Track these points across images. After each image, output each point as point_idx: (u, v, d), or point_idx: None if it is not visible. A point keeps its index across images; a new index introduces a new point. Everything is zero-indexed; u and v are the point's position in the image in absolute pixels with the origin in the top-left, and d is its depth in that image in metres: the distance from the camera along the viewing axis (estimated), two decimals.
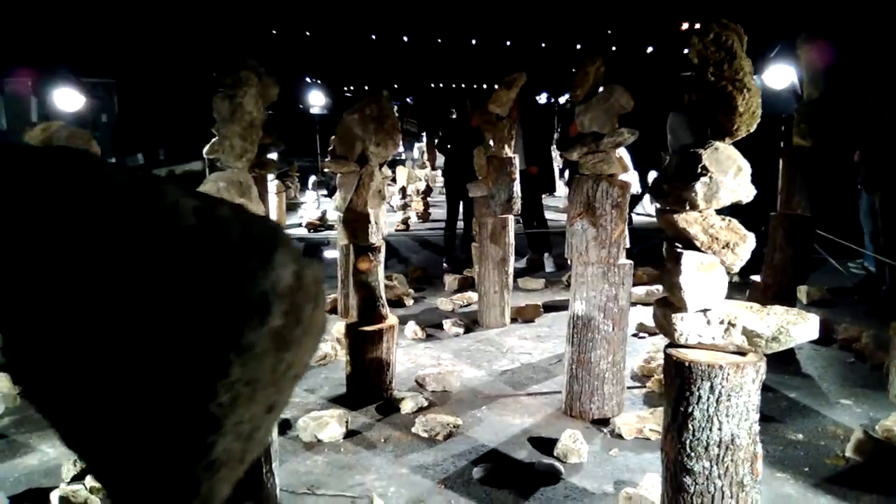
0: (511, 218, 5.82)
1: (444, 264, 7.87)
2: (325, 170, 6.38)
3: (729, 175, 2.45)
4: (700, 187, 2.44)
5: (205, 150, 6.96)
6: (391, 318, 4.57)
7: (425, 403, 4.35)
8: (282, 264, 0.68)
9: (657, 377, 4.47)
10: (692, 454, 2.55)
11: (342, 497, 3.40)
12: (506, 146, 5.69)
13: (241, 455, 0.77)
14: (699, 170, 2.45)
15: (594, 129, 3.91)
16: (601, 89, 3.99)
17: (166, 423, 0.69)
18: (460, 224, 8.37)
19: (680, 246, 2.58)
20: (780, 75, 6.38)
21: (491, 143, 5.94)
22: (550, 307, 6.37)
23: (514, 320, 6.04)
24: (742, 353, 2.57)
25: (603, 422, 4.04)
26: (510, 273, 5.93)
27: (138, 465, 0.71)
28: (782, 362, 4.61)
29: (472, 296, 6.66)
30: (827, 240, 7.49)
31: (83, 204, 0.64)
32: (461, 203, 8.25)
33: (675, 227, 2.59)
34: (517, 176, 5.76)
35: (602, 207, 3.86)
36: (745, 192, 2.47)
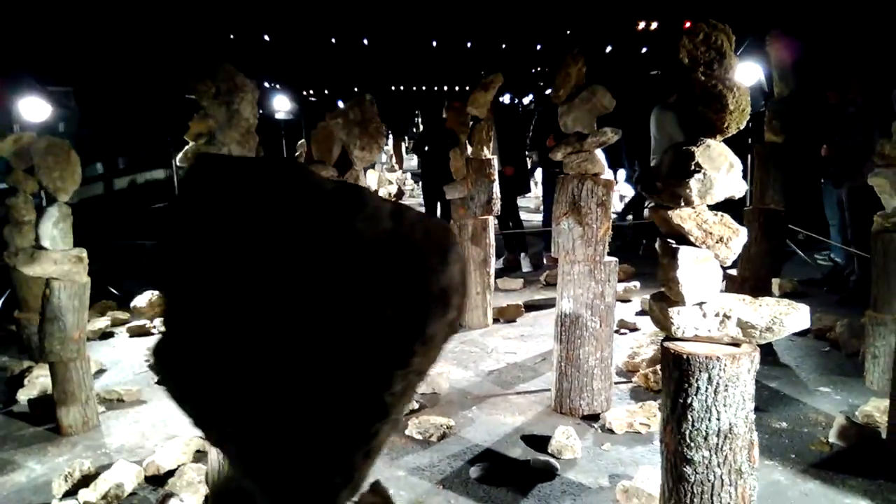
0: (491, 219, 5.87)
1: None
2: None
3: (721, 171, 2.52)
4: (694, 184, 2.51)
5: (177, 157, 6.89)
6: None
7: (416, 406, 4.37)
8: (454, 261, 0.72)
9: (642, 372, 4.55)
10: (692, 444, 2.62)
11: None
12: (484, 147, 5.74)
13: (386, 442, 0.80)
14: (693, 167, 2.52)
15: (577, 130, 3.98)
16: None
17: (339, 412, 0.70)
18: None
19: (674, 242, 2.65)
20: (747, 72, 6.55)
21: (467, 144, 6.00)
22: (531, 306, 6.43)
23: (496, 320, 6.09)
24: (736, 345, 2.65)
25: (593, 417, 4.10)
26: (491, 274, 5.97)
27: (300, 455, 0.72)
28: (761, 353, 4.71)
29: None
30: (794, 233, 7.69)
31: (300, 208, 0.67)
32: (438, 205, 8.28)
33: (670, 223, 2.65)
34: (496, 177, 5.81)
35: (587, 206, 3.92)
36: (738, 187, 2.55)
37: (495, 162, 5.83)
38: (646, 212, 8.85)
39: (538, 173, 10.17)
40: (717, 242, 2.58)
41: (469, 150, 6.14)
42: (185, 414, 0.79)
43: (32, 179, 5.38)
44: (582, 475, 3.53)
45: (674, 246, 2.62)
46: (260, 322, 0.67)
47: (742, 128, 2.55)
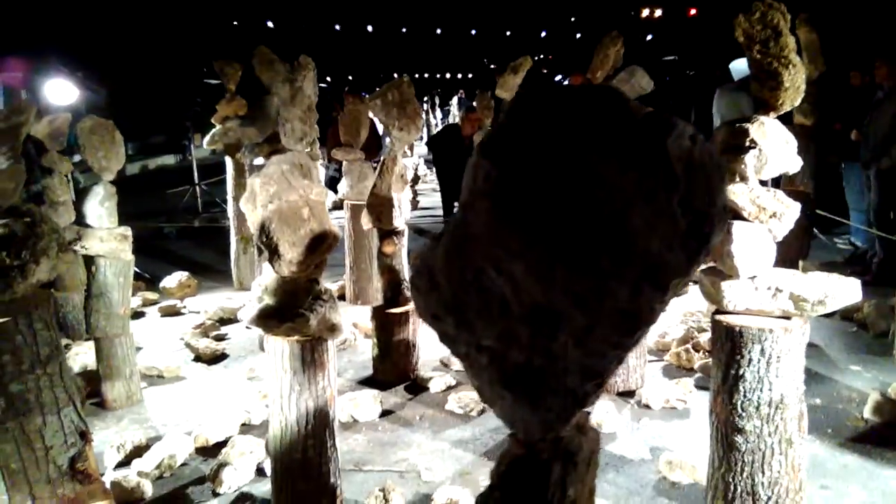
0: None
1: None
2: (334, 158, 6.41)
3: (776, 147, 2.58)
4: (750, 159, 2.57)
5: (205, 140, 6.97)
6: None
7: (453, 382, 4.45)
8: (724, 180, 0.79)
9: (674, 350, 4.63)
10: (743, 414, 2.69)
11: (390, 472, 3.49)
12: None
13: None
14: (748, 143, 2.58)
15: None
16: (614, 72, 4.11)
17: (614, 320, 0.77)
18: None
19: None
20: None
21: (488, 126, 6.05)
22: None
23: None
24: (785, 318, 2.72)
25: (628, 394, 4.18)
26: None
27: (564, 362, 0.79)
28: None
29: None
30: (818, 215, 7.74)
31: (618, 129, 0.74)
32: (454, 188, 8.36)
33: None
34: None
35: None
36: (792, 163, 2.61)
37: None
38: None
39: None
40: (770, 217, 2.64)
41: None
42: (441, 329, 0.84)
43: (67, 160, 5.46)
44: (623, 448, 3.62)
45: (728, 221, 2.68)
46: (569, 231, 0.73)
47: (796, 105, 2.60)
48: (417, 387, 4.46)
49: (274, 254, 2.56)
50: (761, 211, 2.65)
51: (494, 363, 0.81)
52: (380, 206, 4.43)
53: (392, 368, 4.54)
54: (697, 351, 4.56)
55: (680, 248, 0.73)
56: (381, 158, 4.46)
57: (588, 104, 0.75)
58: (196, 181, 11.45)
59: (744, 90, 7.06)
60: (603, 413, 3.80)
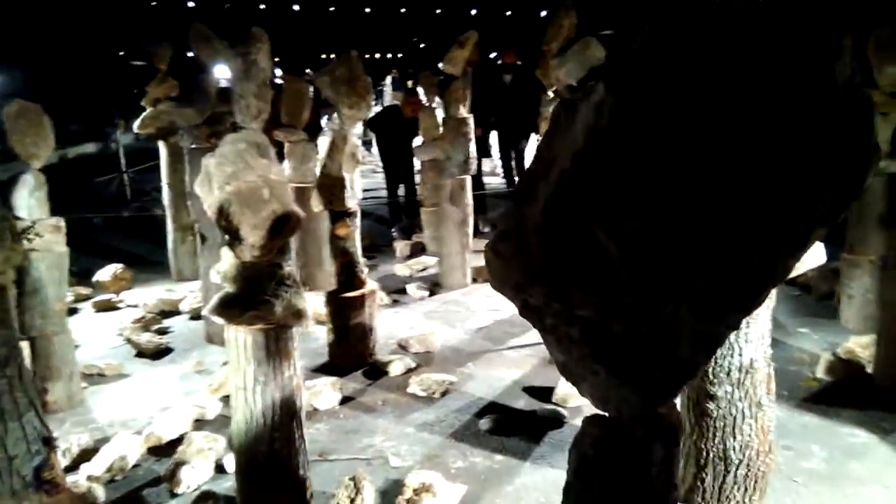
0: (469, 178, 5.87)
1: (394, 231, 7.85)
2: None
3: None
4: None
5: (135, 124, 6.62)
6: (371, 283, 4.54)
7: (413, 365, 4.38)
8: None
9: None
10: (715, 381, 2.70)
11: (357, 460, 3.39)
12: (461, 106, 5.71)
13: None
14: None
15: (570, 82, 3.99)
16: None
17: (758, 271, 0.69)
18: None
19: None
20: None
21: (434, 104, 5.98)
22: None
23: (474, 280, 6.11)
24: None
25: None
26: (469, 234, 5.99)
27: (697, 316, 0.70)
28: None
29: (428, 260, 6.69)
30: None
31: (782, 51, 0.66)
32: (398, 169, 8.23)
33: None
34: (473, 136, 5.80)
35: None
36: None
37: (472, 121, 5.81)
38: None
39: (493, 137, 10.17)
40: None
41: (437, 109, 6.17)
42: (523, 299, 0.75)
43: None
44: None
45: None
46: (711, 175, 0.65)
47: None
48: (376, 371, 4.36)
49: (235, 238, 2.41)
50: None
51: (589, 336, 0.73)
52: (331, 187, 4.28)
53: (349, 354, 4.43)
54: None
55: (831, 193, 0.67)
56: (331, 138, 4.31)
57: (745, 26, 0.67)
58: (123, 169, 10.95)
59: None
60: (568, 387, 3.79)
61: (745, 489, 2.80)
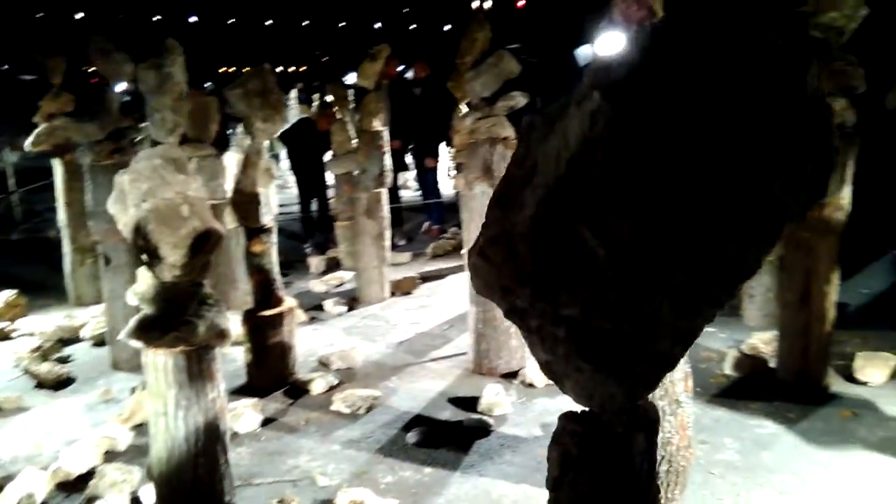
0: (385, 192, 5.85)
1: (307, 247, 7.71)
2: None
3: None
4: None
5: (27, 142, 6.23)
6: (289, 301, 4.45)
7: (335, 382, 4.31)
8: None
9: None
10: None
11: (283, 482, 3.30)
12: (374, 120, 5.69)
13: None
14: None
15: (485, 95, 4.06)
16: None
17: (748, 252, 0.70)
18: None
19: None
20: (612, 43, 6.93)
21: (345, 117, 5.96)
22: (425, 278, 6.50)
23: (392, 294, 6.09)
24: None
25: (512, 375, 4.25)
26: (387, 248, 5.96)
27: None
28: None
29: (344, 275, 6.62)
30: None
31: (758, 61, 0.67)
32: (311, 184, 8.11)
33: None
34: (388, 149, 5.79)
35: (500, 170, 4.02)
36: None
37: (386, 134, 5.80)
38: None
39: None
40: None
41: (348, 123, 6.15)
42: (510, 302, 0.75)
43: None
44: (515, 428, 3.67)
45: None
46: (697, 175, 0.66)
47: None
48: (297, 390, 4.27)
49: (153, 257, 2.31)
50: None
51: (574, 334, 0.74)
52: (246, 203, 4.17)
53: (269, 374, 4.31)
54: None
55: (804, 191, 0.70)
56: (245, 153, 4.20)
57: (730, 38, 0.70)
58: (11, 189, 10.28)
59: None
60: (493, 396, 3.83)
61: (668, 484, 2.90)
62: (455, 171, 8.41)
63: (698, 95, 0.69)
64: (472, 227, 4.19)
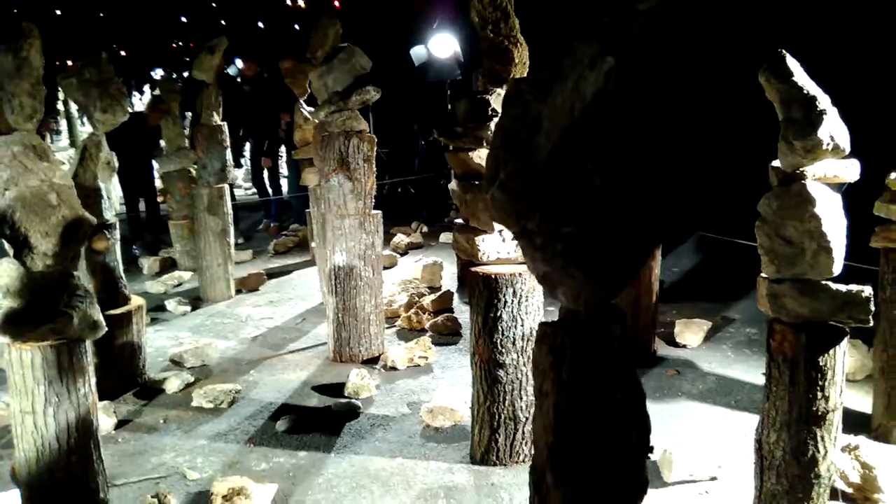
0: (227, 187, 5.74)
1: (135, 248, 7.30)
2: None
3: None
4: (494, 126, 2.92)
5: None
6: (136, 299, 4.27)
7: (191, 379, 4.21)
8: None
9: (405, 315, 4.96)
10: (503, 350, 3.07)
11: (150, 480, 3.21)
12: (214, 114, 5.56)
13: None
14: (490, 112, 2.93)
15: (336, 89, 4.16)
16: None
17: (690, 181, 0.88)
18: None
19: (476, 181, 3.04)
20: (444, 44, 7.29)
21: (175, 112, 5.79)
22: (271, 274, 6.44)
23: (238, 291, 5.98)
24: (523, 263, 3.16)
25: (373, 360, 4.39)
26: (231, 244, 5.85)
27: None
28: None
29: (183, 274, 6.40)
30: None
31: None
32: (137, 182, 7.70)
33: (470, 163, 3.04)
34: (228, 144, 5.68)
35: (356, 161, 4.15)
36: None
37: (226, 128, 5.68)
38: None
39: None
40: None
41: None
42: (522, 225, 0.89)
43: None
44: (383, 408, 3.82)
45: (477, 183, 3.01)
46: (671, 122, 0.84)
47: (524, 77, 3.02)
48: (150, 390, 4.12)
49: (23, 247, 2.20)
50: None
51: (570, 247, 0.92)
52: (86, 198, 3.92)
53: (117, 375, 4.11)
54: (424, 312, 4.96)
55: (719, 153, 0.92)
56: (83, 145, 3.97)
57: (706, 34, 0.90)
58: None
59: None
60: (359, 379, 3.95)
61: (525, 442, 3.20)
62: (289, 168, 8.38)
63: (680, 72, 0.90)
64: (329, 216, 4.27)
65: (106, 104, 3.93)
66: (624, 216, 0.93)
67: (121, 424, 3.74)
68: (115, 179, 4.15)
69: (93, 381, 2.59)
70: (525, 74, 3.03)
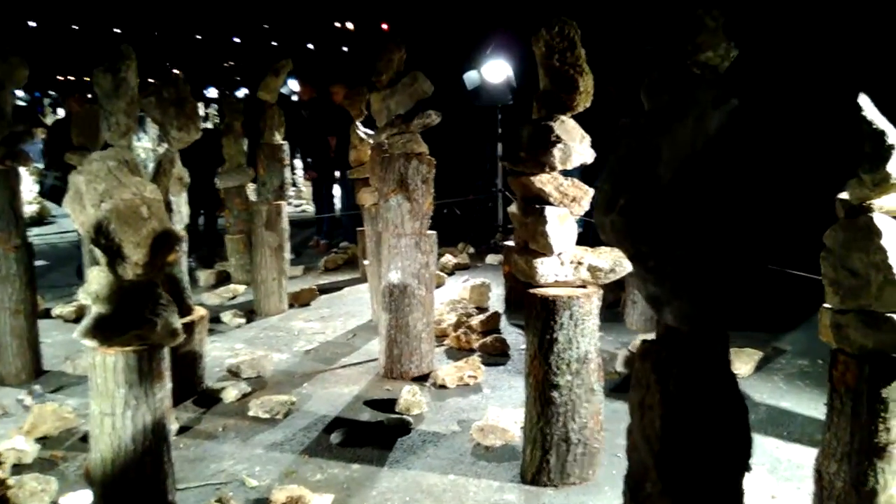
0: (284, 204, 5.91)
1: (191, 261, 7.52)
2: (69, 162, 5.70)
3: (576, 141, 3.04)
4: (556, 152, 3.00)
5: None
6: (199, 310, 4.43)
7: (249, 390, 4.33)
8: None
9: (453, 334, 5.04)
10: (558, 371, 3.12)
11: (211, 485, 3.32)
12: (276, 133, 5.76)
13: None
14: (553, 138, 3.01)
15: (399, 112, 4.29)
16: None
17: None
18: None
19: (536, 204, 3.12)
20: (497, 70, 7.42)
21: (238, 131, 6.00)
22: (322, 290, 6.59)
23: (290, 306, 6.13)
24: (582, 286, 3.21)
25: (423, 378, 4.47)
26: (286, 259, 6.01)
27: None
28: None
29: (238, 288, 6.58)
30: None
31: None
32: (199, 197, 7.95)
33: (531, 187, 3.12)
34: (287, 162, 5.87)
35: (414, 183, 4.26)
36: (589, 155, 3.10)
37: (287, 148, 5.87)
38: None
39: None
40: (571, 201, 3.11)
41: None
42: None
43: None
44: (434, 425, 3.88)
45: (538, 206, 3.09)
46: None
47: (588, 106, 3.10)
48: (209, 398, 4.25)
49: (117, 256, 2.34)
50: (564, 196, 3.10)
51: (679, 272, 1.00)
52: None
53: (179, 383, 4.24)
54: (472, 332, 5.03)
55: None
56: (158, 160, 4.16)
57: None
58: None
59: None
60: (410, 396, 4.02)
61: (584, 465, 3.24)
62: (341, 187, 8.57)
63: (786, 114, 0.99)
64: (386, 235, 4.38)
65: (182, 123, 4.12)
66: (732, 242, 1.00)
67: (181, 431, 3.87)
68: (185, 194, 4.30)
69: (169, 386, 2.71)
70: (589, 102, 3.10)
